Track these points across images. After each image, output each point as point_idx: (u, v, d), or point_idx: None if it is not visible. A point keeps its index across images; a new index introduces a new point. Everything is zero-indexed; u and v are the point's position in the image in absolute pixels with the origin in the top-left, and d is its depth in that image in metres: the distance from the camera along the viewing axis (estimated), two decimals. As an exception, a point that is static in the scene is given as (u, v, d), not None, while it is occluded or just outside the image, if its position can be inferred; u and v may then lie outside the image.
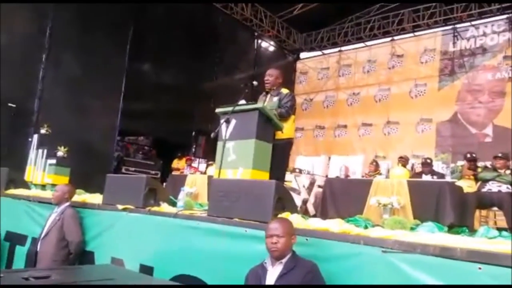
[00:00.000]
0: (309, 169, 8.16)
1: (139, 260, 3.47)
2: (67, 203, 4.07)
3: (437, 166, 9.55)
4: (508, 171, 5.38)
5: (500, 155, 5.62)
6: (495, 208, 5.50)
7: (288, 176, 6.63)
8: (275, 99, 4.23)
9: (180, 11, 10.48)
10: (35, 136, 7.06)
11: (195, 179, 7.78)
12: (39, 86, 8.48)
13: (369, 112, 12.35)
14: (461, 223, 4.34)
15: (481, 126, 10.39)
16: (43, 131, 6.95)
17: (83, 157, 7.70)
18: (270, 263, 2.30)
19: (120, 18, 9.51)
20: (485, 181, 5.45)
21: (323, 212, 5.72)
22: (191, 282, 3.09)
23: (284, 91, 4.36)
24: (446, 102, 10.97)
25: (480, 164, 6.58)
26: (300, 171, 7.59)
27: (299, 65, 14.33)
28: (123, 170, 10.11)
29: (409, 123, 11.49)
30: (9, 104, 7.90)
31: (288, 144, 4.35)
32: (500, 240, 2.02)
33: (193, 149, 11.49)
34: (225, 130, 3.88)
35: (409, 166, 6.58)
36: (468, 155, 6.45)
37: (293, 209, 2.97)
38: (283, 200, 2.90)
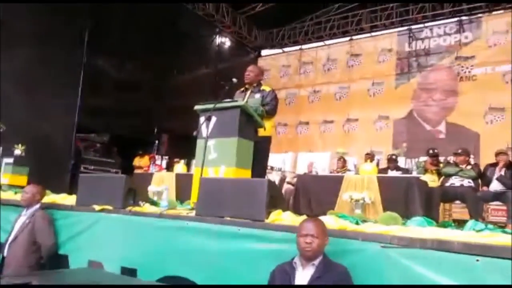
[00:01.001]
0: (279, 166, 8.21)
1: (120, 263, 3.36)
2: (38, 205, 3.86)
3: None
4: (469, 166, 5.70)
5: (460, 151, 5.92)
6: (457, 202, 5.81)
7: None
8: (257, 95, 4.21)
9: (141, 5, 10.16)
10: (-12, 135, 6.61)
11: (161, 177, 7.65)
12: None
13: (330, 110, 12.60)
14: (428, 216, 4.56)
15: (435, 123, 10.88)
16: (-4, 128, 6.53)
17: (40, 156, 7.27)
18: (300, 263, 2.25)
19: (78, 13, 9.06)
20: (448, 176, 5.73)
21: (295, 208, 5.82)
22: (179, 283, 3.04)
23: (267, 88, 4.36)
24: (402, 100, 11.38)
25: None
26: (272, 168, 7.61)
27: (260, 62, 14.36)
28: (82, 169, 9.67)
29: (368, 120, 11.83)
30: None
31: (268, 141, 4.35)
32: (495, 233, 2.13)
33: (155, 147, 11.21)
34: (206, 128, 3.83)
35: (374, 162, 6.79)
36: (431, 151, 6.77)
37: (283, 206, 2.98)
38: (275, 198, 2.91)
